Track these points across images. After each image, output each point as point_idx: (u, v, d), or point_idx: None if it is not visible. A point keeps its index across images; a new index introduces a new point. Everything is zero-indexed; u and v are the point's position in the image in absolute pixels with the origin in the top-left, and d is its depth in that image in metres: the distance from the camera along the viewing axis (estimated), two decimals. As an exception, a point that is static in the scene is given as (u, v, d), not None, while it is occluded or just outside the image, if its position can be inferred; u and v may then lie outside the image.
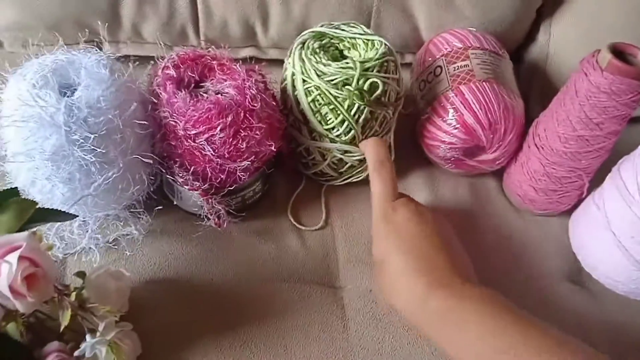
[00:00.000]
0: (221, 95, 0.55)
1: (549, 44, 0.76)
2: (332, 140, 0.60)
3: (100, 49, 0.57)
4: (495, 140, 0.62)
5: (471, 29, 0.69)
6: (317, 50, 0.59)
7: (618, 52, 0.54)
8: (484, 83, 0.61)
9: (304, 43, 0.60)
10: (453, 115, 0.61)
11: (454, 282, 0.46)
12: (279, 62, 0.65)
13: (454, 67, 0.63)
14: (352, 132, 0.59)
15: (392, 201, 0.52)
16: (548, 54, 0.75)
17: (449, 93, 0.62)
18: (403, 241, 0.49)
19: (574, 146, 0.58)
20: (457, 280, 0.46)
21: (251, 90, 0.54)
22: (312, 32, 0.61)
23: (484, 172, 0.68)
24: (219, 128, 0.52)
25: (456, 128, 0.61)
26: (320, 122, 0.59)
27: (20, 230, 0.44)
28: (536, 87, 0.77)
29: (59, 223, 0.56)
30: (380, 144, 0.56)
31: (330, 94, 0.57)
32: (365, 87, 0.57)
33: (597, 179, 0.61)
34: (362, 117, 0.58)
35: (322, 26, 0.62)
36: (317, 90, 0.57)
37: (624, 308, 0.60)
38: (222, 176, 0.55)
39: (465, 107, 0.61)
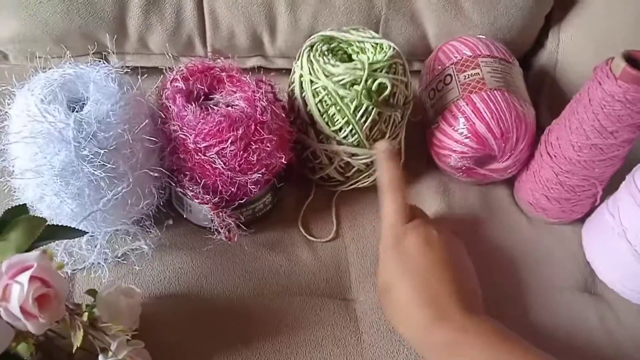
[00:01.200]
0: (231, 107, 0.54)
1: (557, 51, 0.75)
2: (339, 143, 0.60)
3: (107, 61, 0.56)
4: (507, 149, 0.61)
5: (480, 36, 0.69)
6: (326, 53, 0.59)
7: (632, 59, 0.53)
8: (495, 92, 0.61)
9: (312, 46, 0.60)
10: (464, 124, 0.61)
11: (455, 315, 0.46)
12: (287, 72, 0.65)
13: (465, 76, 0.63)
14: (358, 134, 0.58)
15: (402, 225, 0.51)
16: (557, 60, 0.75)
17: (460, 102, 0.61)
18: (409, 270, 0.49)
19: (588, 154, 0.57)
20: (459, 313, 0.46)
21: (261, 102, 0.53)
22: (321, 35, 0.61)
23: (495, 180, 0.67)
24: (229, 141, 0.51)
25: (467, 137, 0.61)
26: (327, 123, 0.59)
27: (29, 247, 0.44)
28: (545, 94, 0.76)
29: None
30: (394, 160, 0.54)
31: (338, 94, 0.56)
32: (374, 87, 0.56)
33: (611, 187, 0.61)
34: (370, 118, 0.58)
35: (330, 30, 0.61)
36: (324, 90, 0.57)
37: (640, 318, 0.59)
38: (232, 189, 0.54)
39: (476, 116, 0.60)
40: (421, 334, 0.47)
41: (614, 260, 0.59)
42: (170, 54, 0.67)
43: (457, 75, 0.64)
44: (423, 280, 0.48)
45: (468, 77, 0.62)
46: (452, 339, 0.46)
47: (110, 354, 0.44)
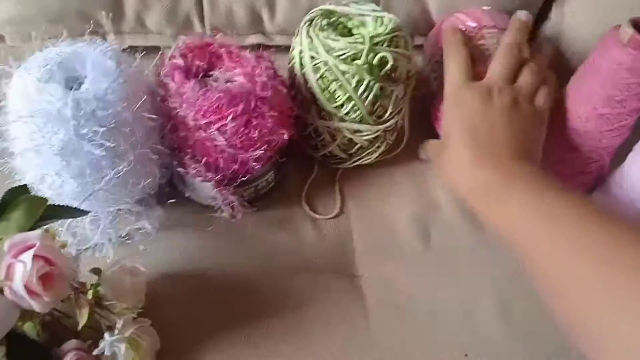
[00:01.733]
0: (231, 83, 0.53)
1: (562, 21, 0.74)
2: (341, 119, 0.59)
3: (105, 39, 0.56)
4: (512, 121, 0.60)
5: (485, 7, 0.67)
6: (326, 27, 0.58)
7: (639, 26, 0.52)
8: (499, 63, 0.60)
9: (311, 20, 0.59)
10: (468, 97, 0.60)
11: (501, 158, 0.46)
12: (287, 50, 0.64)
13: (470, 47, 0.61)
14: (361, 110, 0.57)
15: (465, 82, 0.53)
16: (561, 31, 0.74)
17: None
18: (464, 116, 0.51)
19: (595, 125, 0.56)
20: (506, 156, 0.46)
21: (261, 78, 0.53)
22: (321, 9, 0.59)
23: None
24: (230, 117, 0.51)
25: (472, 110, 0.60)
26: (328, 99, 0.58)
27: (31, 228, 0.43)
28: (550, 66, 0.75)
29: (70, 219, 0.55)
30: (458, 30, 0.57)
31: (339, 69, 0.55)
32: (375, 61, 0.55)
33: (618, 157, 0.60)
34: (372, 94, 0.57)
35: (330, 4, 0.60)
36: (325, 66, 0.56)
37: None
38: (234, 166, 0.54)
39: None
40: (464, 175, 0.47)
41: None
42: (168, 33, 0.66)
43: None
44: (477, 124, 0.49)
45: (473, 49, 0.61)
46: (496, 181, 0.45)
47: (116, 331, 0.44)
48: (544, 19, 0.76)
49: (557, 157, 0.60)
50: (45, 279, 0.40)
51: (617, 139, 0.57)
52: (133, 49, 0.55)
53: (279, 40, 0.74)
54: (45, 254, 0.41)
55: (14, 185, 0.47)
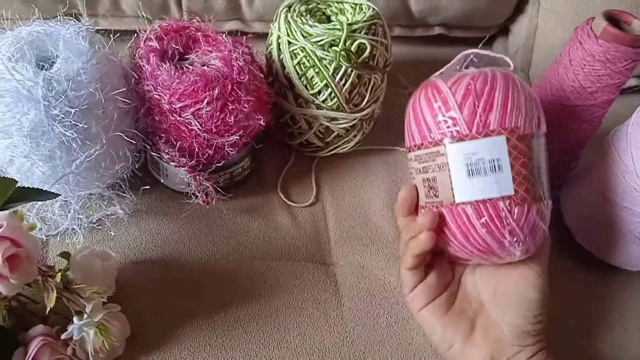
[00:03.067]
0: (207, 67, 0.53)
1: (537, 16, 0.75)
2: (318, 107, 0.59)
3: (78, 20, 0.54)
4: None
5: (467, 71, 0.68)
6: (304, 13, 0.58)
7: (612, 19, 0.53)
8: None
9: (290, 6, 0.59)
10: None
11: None
12: (265, 36, 0.63)
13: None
14: (338, 97, 0.57)
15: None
16: (537, 25, 0.75)
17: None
18: None
19: (567, 117, 0.57)
20: None
21: (238, 62, 0.52)
22: None
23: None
24: (205, 101, 0.50)
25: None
26: (306, 86, 0.57)
27: (-1, 210, 0.42)
28: (525, 59, 0.76)
29: (39, 203, 0.54)
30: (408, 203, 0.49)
31: (316, 55, 0.55)
32: (353, 48, 0.55)
33: (588, 150, 0.61)
34: (349, 81, 0.57)
35: None
36: (302, 52, 0.56)
37: (620, 280, 0.60)
38: (209, 152, 0.53)
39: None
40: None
41: (591, 222, 0.59)
42: (144, 16, 0.65)
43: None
44: None
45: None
46: None
47: (85, 316, 0.43)
48: (519, 13, 0.77)
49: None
50: (12, 260, 0.39)
51: (588, 132, 0.58)
52: (107, 33, 0.54)
53: (258, 27, 0.74)
54: (12, 236, 0.40)
55: (-18, 167, 0.45)
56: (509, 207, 0.43)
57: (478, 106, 0.43)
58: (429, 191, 0.46)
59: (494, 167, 0.43)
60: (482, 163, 0.43)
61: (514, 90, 0.44)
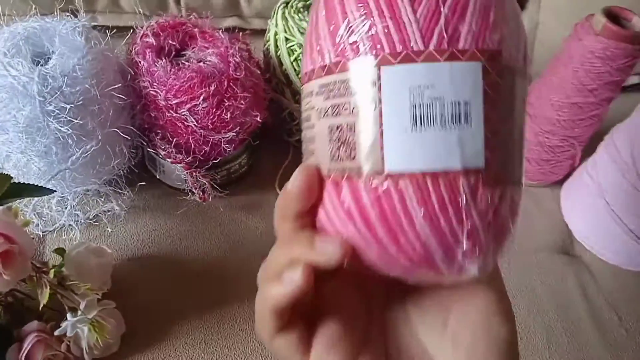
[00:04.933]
0: (203, 63, 0.52)
1: (538, 12, 0.74)
2: None
3: (75, 16, 0.54)
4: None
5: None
6: (301, 10, 0.57)
7: (612, 16, 0.52)
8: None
9: (287, 3, 0.58)
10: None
11: None
12: (263, 33, 0.63)
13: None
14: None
15: None
16: (538, 22, 0.74)
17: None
18: None
19: (567, 114, 0.56)
20: None
21: (235, 59, 0.52)
22: None
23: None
24: (201, 97, 0.50)
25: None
26: None
27: (-6, 205, 0.42)
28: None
29: (36, 199, 0.54)
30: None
31: None
32: None
33: (589, 148, 0.60)
34: None
35: None
36: (300, 48, 0.56)
37: (617, 278, 0.59)
38: (205, 148, 0.53)
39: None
40: None
41: (592, 221, 0.59)
42: (142, 12, 0.65)
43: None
44: None
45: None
46: None
47: (79, 313, 0.43)
48: (521, 9, 0.76)
49: (531, 144, 0.61)
50: (5, 256, 0.39)
51: (589, 129, 0.58)
52: (105, 29, 0.54)
53: (256, 23, 0.73)
54: (5, 232, 0.39)
55: (-23, 163, 0.45)
56: (473, 189, 0.24)
57: (444, 5, 0.25)
58: (338, 149, 0.26)
59: (459, 115, 0.24)
60: (439, 106, 0.24)
61: None
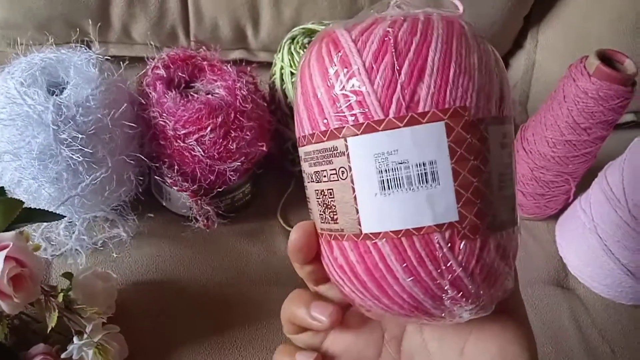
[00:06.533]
0: (211, 95, 0.54)
1: (535, 51, 0.77)
2: None
3: (89, 47, 0.57)
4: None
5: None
6: (307, 45, 0.60)
7: (605, 58, 0.55)
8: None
9: (293, 38, 0.61)
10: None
11: None
12: (269, 65, 0.65)
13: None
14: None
15: None
16: (535, 60, 0.76)
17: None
18: None
19: (562, 150, 0.58)
20: None
21: (242, 91, 0.54)
22: (303, 28, 0.61)
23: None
24: (209, 128, 0.52)
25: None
26: None
27: (5, 230, 0.43)
28: (523, 93, 0.77)
29: (45, 224, 0.56)
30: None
31: None
32: None
33: (583, 184, 0.62)
34: None
35: (312, 23, 0.62)
36: None
37: (610, 312, 0.61)
38: (211, 177, 0.55)
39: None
40: None
41: (585, 255, 0.60)
42: (153, 44, 0.67)
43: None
44: None
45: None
46: None
47: (85, 336, 0.44)
48: (518, 48, 0.79)
49: (526, 179, 0.62)
50: (16, 280, 0.40)
51: (583, 165, 0.60)
52: (118, 59, 0.56)
53: (262, 56, 0.76)
54: (17, 256, 0.41)
55: (-10, 188, 0.47)
56: (449, 243, 0.26)
57: (399, 72, 0.26)
58: (324, 211, 0.28)
59: (425, 175, 0.26)
60: (404, 169, 0.25)
61: (461, 44, 0.26)
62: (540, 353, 0.53)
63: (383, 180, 0.26)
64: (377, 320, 0.32)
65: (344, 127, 0.26)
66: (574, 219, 0.61)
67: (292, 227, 0.61)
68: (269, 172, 0.63)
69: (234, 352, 0.52)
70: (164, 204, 0.59)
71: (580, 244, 0.61)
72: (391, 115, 0.25)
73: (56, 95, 0.49)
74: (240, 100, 0.53)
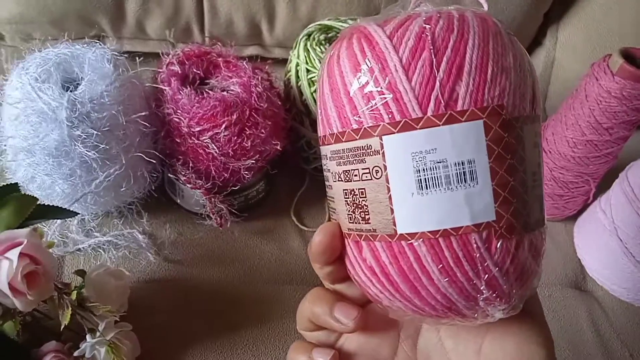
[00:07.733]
0: (227, 92, 0.54)
1: (555, 49, 0.75)
2: None
3: (104, 43, 0.56)
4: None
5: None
6: (323, 42, 0.59)
7: (629, 56, 0.53)
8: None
9: (309, 35, 0.60)
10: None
11: None
12: (284, 62, 0.64)
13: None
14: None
15: None
16: (554, 58, 0.75)
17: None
18: None
19: (582, 151, 0.57)
20: None
21: (257, 88, 0.53)
22: (319, 24, 0.61)
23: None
24: (223, 126, 0.51)
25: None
26: None
27: (20, 226, 0.43)
28: (542, 91, 0.76)
29: (58, 221, 0.55)
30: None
31: None
32: None
33: (603, 185, 0.61)
34: None
35: (328, 20, 0.61)
36: None
37: (629, 315, 0.59)
38: (225, 175, 0.54)
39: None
40: None
41: (604, 257, 0.59)
42: (167, 40, 0.67)
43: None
44: None
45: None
46: None
47: (97, 334, 0.44)
48: (537, 45, 0.77)
49: (545, 179, 0.61)
50: (30, 277, 0.40)
51: (604, 166, 0.58)
52: (132, 55, 0.55)
53: (277, 52, 0.75)
54: (31, 253, 0.40)
55: (4, 184, 0.47)
56: (486, 243, 0.25)
57: (438, 69, 0.25)
58: (353, 212, 0.28)
59: (464, 175, 0.25)
60: (442, 168, 0.25)
61: (497, 42, 0.26)
62: (558, 357, 0.52)
63: (420, 179, 0.25)
64: (394, 319, 0.32)
65: (379, 125, 0.25)
66: (594, 221, 0.60)
67: (305, 226, 0.61)
68: (283, 170, 0.62)
69: (246, 351, 0.52)
70: (178, 202, 0.59)
71: (600, 246, 0.59)
72: (429, 113, 0.25)
73: (70, 91, 0.49)
74: (256, 98, 0.52)
